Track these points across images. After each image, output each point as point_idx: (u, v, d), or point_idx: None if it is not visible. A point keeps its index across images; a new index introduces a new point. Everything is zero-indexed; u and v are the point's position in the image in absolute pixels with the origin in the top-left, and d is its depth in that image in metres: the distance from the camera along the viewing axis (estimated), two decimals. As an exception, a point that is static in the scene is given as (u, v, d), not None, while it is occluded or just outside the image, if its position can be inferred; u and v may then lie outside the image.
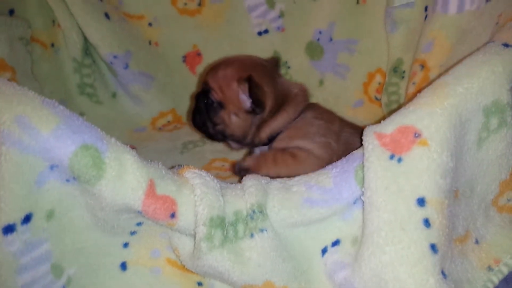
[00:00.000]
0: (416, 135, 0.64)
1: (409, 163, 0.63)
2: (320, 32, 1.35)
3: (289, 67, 1.40)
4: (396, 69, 1.23)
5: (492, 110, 0.67)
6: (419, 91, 0.70)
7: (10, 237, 0.62)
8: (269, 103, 0.95)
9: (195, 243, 0.68)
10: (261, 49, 1.38)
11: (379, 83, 1.33)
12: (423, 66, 1.09)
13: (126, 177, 0.65)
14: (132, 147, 0.67)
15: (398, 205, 0.62)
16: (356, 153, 0.72)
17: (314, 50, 1.37)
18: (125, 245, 0.75)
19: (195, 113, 1.00)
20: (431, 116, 0.64)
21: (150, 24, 1.32)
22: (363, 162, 0.67)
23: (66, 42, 1.19)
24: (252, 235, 0.68)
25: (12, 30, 1.03)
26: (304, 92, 1.02)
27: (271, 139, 0.98)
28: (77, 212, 0.69)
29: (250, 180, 0.74)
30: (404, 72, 1.22)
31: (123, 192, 0.65)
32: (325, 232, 0.71)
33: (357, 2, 1.28)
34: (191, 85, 1.38)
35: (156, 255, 0.75)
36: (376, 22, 1.26)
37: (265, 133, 0.97)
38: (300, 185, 0.72)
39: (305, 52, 1.38)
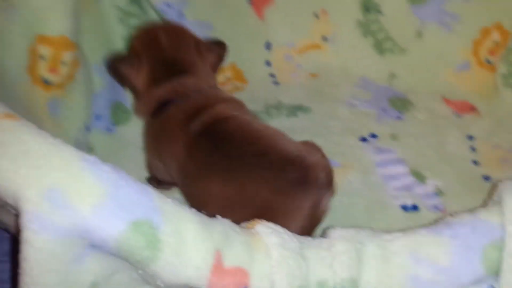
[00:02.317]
0: None
1: None
2: (427, -32, 1.05)
3: (380, 12, 1.11)
4: (525, 33, 0.95)
5: None
6: None
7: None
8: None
9: None
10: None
11: (496, 43, 1.05)
12: None
13: (187, 254, 0.52)
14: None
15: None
16: (488, 222, 0.55)
17: (417, -10, 1.07)
18: None
19: None
20: None
21: (207, -43, 1.04)
22: (498, 242, 0.53)
23: (108, -12, 0.96)
24: None
25: None
26: None
27: None
28: (125, 272, 0.58)
29: (341, 244, 0.58)
30: (535, 39, 0.94)
31: (184, 272, 0.52)
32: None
33: None
34: (257, 33, 1.13)
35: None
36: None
37: None
38: (405, 255, 0.56)
39: (405, -8, 1.08)
